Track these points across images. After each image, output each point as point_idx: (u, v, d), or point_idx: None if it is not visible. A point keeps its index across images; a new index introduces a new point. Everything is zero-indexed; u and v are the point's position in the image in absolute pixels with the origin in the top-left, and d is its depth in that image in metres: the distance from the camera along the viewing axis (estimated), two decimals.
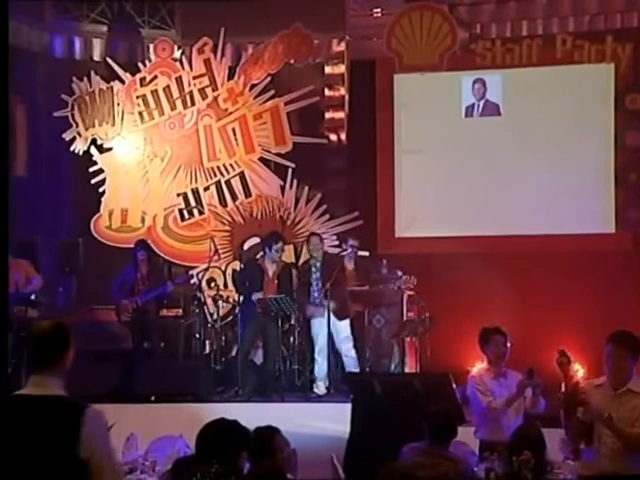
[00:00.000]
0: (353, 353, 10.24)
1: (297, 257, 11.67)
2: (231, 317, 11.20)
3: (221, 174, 12.34)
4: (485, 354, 7.30)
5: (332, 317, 10.11)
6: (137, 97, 12.42)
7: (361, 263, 10.60)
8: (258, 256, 10.83)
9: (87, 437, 3.62)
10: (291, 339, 10.63)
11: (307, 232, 11.84)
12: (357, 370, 10.13)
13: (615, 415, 5.38)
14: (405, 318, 10.86)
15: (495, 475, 5.72)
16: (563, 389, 5.64)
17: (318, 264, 10.37)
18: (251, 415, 6.26)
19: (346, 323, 10.27)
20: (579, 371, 8.61)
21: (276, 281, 10.30)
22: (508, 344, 7.21)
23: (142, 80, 12.44)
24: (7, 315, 4.30)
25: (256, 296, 10.14)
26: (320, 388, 10.16)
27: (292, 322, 10.56)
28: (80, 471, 3.61)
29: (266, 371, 10.18)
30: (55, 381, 3.76)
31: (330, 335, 10.13)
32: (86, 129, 12.42)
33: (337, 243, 11.57)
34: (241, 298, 10.54)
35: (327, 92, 12.45)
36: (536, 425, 6.22)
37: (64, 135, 12.37)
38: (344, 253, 10.48)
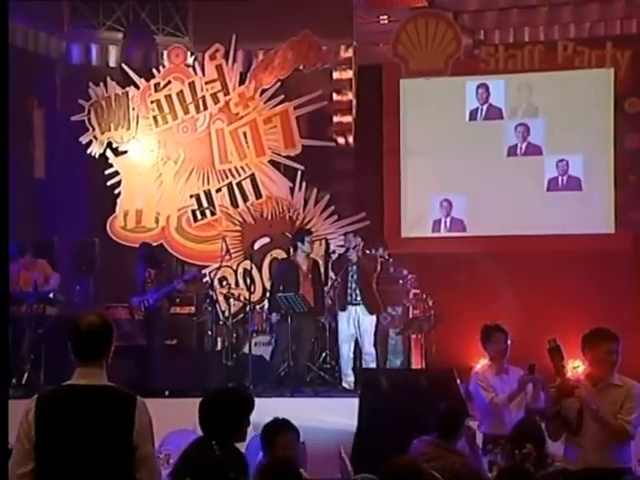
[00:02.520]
0: (372, 350, 10.23)
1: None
2: (242, 315, 11.22)
3: (232, 176, 12.35)
4: (487, 351, 7.31)
5: (361, 313, 10.12)
6: (151, 102, 12.43)
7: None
8: (277, 255, 10.80)
9: (139, 425, 3.75)
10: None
11: (316, 232, 11.85)
12: (373, 366, 10.13)
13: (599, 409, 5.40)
14: (411, 316, 10.88)
15: (498, 468, 5.73)
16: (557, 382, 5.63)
17: (353, 262, 10.32)
18: (262, 410, 6.27)
19: (372, 321, 10.25)
20: (579, 367, 8.59)
21: (310, 276, 10.30)
22: (509, 341, 7.22)
23: (156, 85, 12.46)
24: (7, 315, 4.31)
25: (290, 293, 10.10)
26: (350, 383, 10.15)
27: (323, 321, 10.56)
28: (132, 457, 3.73)
29: (296, 369, 10.11)
30: (101, 372, 3.86)
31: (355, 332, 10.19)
32: (102, 133, 12.45)
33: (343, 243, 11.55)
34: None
35: (335, 97, 12.44)
36: (535, 419, 6.23)
37: (81, 139, 12.40)
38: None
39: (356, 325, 10.19)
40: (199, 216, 12.35)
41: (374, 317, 10.26)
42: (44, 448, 3.74)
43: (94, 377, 3.83)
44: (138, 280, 10.71)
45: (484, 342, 7.26)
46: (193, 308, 11.22)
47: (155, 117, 12.44)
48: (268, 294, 10.99)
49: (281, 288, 10.27)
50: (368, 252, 10.33)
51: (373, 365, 10.14)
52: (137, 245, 12.04)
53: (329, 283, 10.62)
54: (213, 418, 4.58)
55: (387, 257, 10.67)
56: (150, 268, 10.71)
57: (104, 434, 3.73)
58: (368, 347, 10.18)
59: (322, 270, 10.80)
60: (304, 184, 12.14)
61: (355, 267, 10.20)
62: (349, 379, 10.17)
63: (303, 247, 10.33)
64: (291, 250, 10.74)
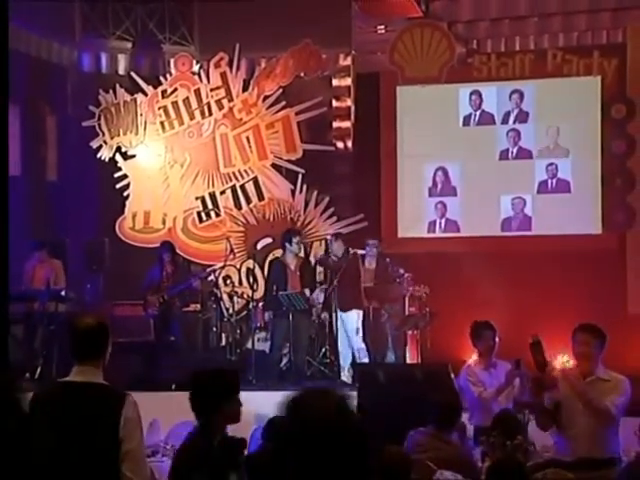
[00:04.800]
0: (362, 345, 10.21)
1: (307, 255, 11.65)
2: (245, 312, 11.21)
3: (236, 179, 12.34)
4: (476, 347, 7.30)
5: (342, 313, 10.12)
6: (159, 108, 12.43)
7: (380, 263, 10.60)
8: (279, 254, 10.78)
9: (124, 421, 3.77)
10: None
11: (316, 233, 11.86)
12: (366, 361, 10.11)
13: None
14: (407, 313, 10.86)
15: (490, 459, 5.71)
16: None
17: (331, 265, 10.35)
18: (264, 403, 6.26)
19: (354, 317, 10.22)
20: (569, 362, 8.59)
21: (298, 273, 10.29)
22: (497, 338, 7.20)
23: (163, 92, 12.46)
24: (7, 314, 4.31)
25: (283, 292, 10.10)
26: (348, 377, 10.12)
27: (313, 317, 10.56)
28: (117, 451, 3.75)
29: (296, 363, 10.10)
30: (96, 371, 3.89)
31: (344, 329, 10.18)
32: (112, 138, 12.44)
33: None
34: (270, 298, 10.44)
35: (334, 103, 12.45)
36: (511, 411, 6.21)
37: (91, 143, 12.39)
38: (363, 252, 10.45)
39: (343, 323, 10.17)
40: (204, 217, 12.35)
41: (359, 314, 10.23)
42: (36, 439, 3.74)
43: (88, 375, 3.87)
44: (154, 278, 10.69)
45: (473, 338, 7.27)
46: (199, 305, 11.22)
47: (162, 123, 12.43)
48: (262, 293, 10.99)
49: (275, 287, 10.27)
50: (349, 252, 10.32)
51: (366, 360, 10.12)
52: (145, 245, 12.10)
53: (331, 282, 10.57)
54: (194, 402, 4.29)
55: (376, 251, 10.65)
56: (171, 265, 10.70)
57: (91, 428, 3.76)
58: (358, 343, 10.17)
59: (321, 269, 10.82)
60: (305, 187, 12.13)
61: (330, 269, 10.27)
62: (347, 373, 10.16)
63: (290, 248, 10.33)
64: (279, 251, 10.77)
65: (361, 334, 10.22)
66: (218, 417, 4.23)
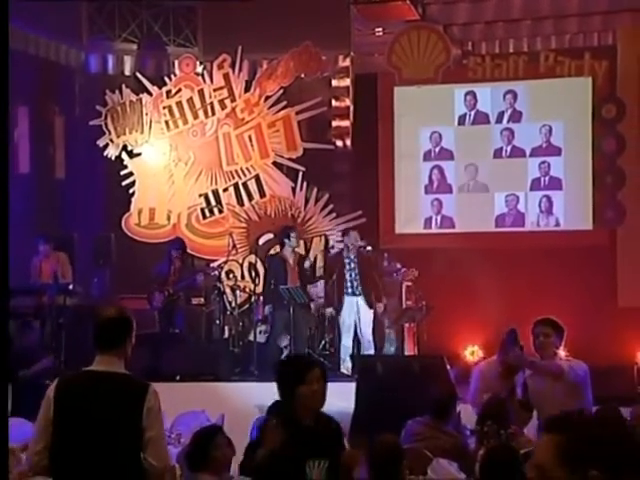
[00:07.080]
0: (371, 338, 10.19)
1: (307, 251, 11.65)
2: (247, 305, 11.21)
3: (238, 177, 12.34)
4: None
5: (362, 304, 10.09)
6: (163, 108, 12.42)
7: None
8: (278, 250, 10.76)
9: (147, 410, 3.77)
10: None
11: (316, 229, 11.85)
12: (371, 352, 10.10)
13: (551, 391, 5.35)
14: (404, 306, 10.86)
15: (485, 447, 5.70)
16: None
17: (352, 257, 10.28)
18: (267, 393, 6.26)
19: (372, 311, 10.21)
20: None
21: (297, 268, 10.28)
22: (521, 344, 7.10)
23: (168, 92, 12.45)
24: (7, 311, 4.28)
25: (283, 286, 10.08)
26: (348, 369, 10.11)
27: (312, 310, 10.54)
28: (140, 438, 3.75)
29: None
30: (118, 361, 3.89)
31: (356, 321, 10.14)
32: (118, 136, 12.43)
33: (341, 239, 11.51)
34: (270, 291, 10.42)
35: (334, 103, 12.43)
36: (499, 399, 6.21)
37: (98, 142, 12.39)
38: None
39: (357, 315, 10.14)
40: (208, 214, 12.35)
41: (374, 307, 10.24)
42: (60, 426, 3.77)
43: (111, 364, 3.86)
44: (162, 272, 10.69)
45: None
46: (202, 299, 11.22)
47: (167, 122, 12.42)
48: (261, 287, 10.98)
49: (273, 282, 10.25)
50: (367, 248, 10.30)
51: (371, 352, 10.11)
52: (150, 241, 12.11)
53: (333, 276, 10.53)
54: None
55: (370, 250, 10.64)
56: (179, 261, 10.70)
57: (115, 416, 3.75)
58: (367, 335, 10.15)
59: (321, 264, 10.81)
60: (305, 184, 12.13)
61: (353, 262, 10.18)
62: (347, 365, 10.15)
63: (289, 242, 10.32)
64: (277, 248, 10.76)
65: (364, 327, 10.18)
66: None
